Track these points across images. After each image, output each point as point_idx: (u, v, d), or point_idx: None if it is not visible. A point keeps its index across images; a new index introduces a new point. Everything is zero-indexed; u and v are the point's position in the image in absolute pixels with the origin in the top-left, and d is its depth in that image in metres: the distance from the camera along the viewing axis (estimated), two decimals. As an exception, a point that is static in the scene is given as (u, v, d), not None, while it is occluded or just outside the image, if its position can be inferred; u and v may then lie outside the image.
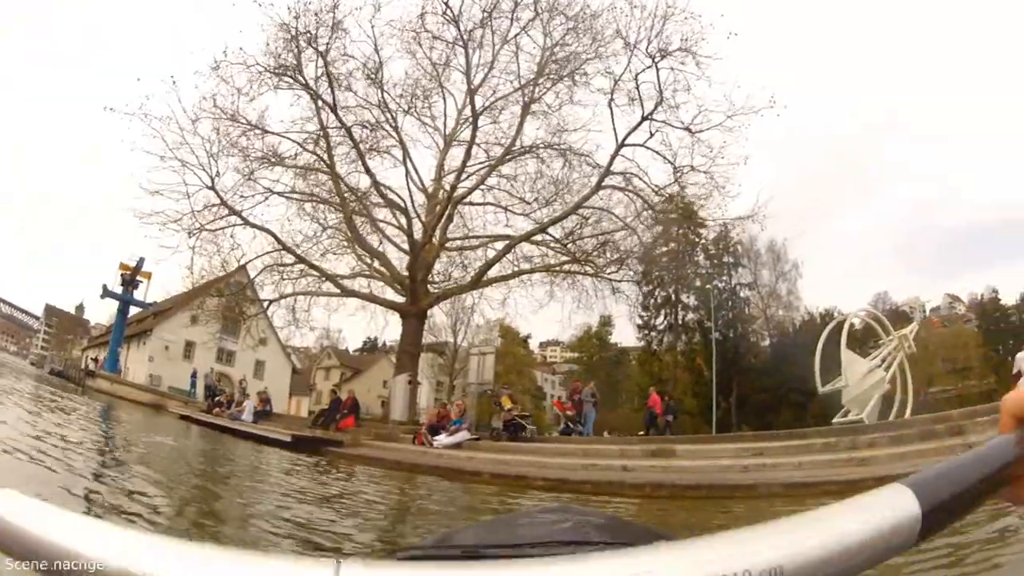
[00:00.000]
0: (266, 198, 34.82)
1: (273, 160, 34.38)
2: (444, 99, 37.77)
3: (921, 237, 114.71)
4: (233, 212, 33.81)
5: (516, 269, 36.76)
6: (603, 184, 34.10)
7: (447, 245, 37.18)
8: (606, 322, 79.95)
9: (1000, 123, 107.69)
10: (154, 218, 32.35)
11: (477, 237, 38.14)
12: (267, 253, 35.20)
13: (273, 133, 34.34)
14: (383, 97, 35.50)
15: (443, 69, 36.67)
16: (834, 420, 23.27)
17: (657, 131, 32.83)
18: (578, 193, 34.94)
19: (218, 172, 32.99)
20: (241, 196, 34.22)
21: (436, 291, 36.87)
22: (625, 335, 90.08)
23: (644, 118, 32.63)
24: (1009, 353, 67.57)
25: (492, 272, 36.61)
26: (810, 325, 65.14)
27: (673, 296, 71.71)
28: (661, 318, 73.84)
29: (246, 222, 34.24)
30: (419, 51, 36.33)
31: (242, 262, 34.98)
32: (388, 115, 35.91)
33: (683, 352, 72.24)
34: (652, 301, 72.01)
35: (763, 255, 72.52)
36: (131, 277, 54.89)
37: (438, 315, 52.41)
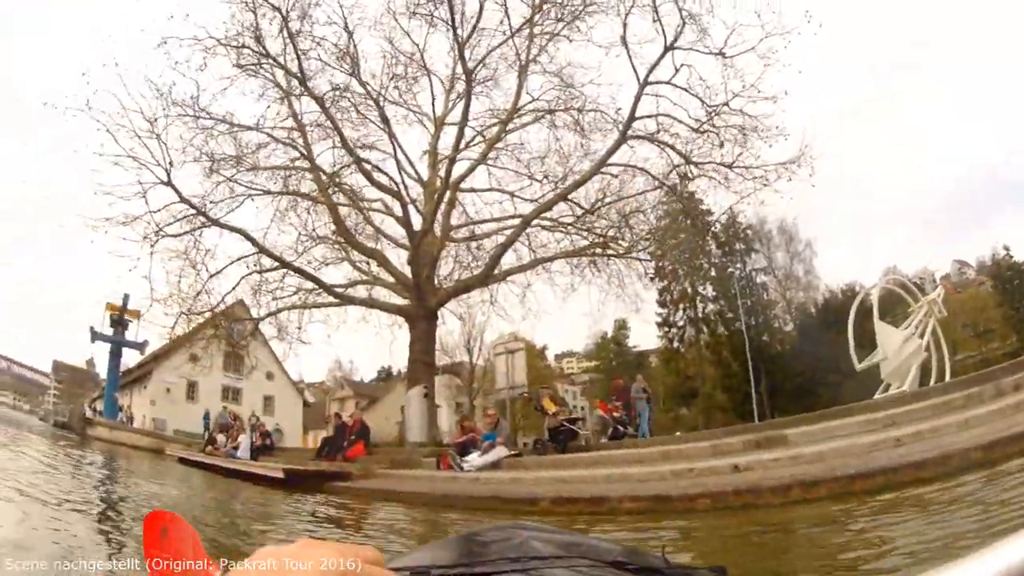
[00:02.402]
0: (240, 203, 29.33)
1: (245, 162, 29.03)
2: (429, 78, 32.28)
3: (919, 206, 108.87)
4: (196, 210, 28.01)
5: (534, 258, 31.29)
6: (629, 134, 28.29)
7: (452, 235, 31.68)
8: (622, 326, 76.16)
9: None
10: (106, 224, 26.77)
11: (485, 222, 32.75)
12: (243, 258, 29.34)
13: (241, 127, 28.83)
14: (360, 78, 29.80)
15: (426, 31, 31.14)
16: (876, 396, 20.49)
17: (683, 65, 27.17)
18: (596, 157, 29.34)
19: (171, 162, 27.21)
20: (211, 202, 28.62)
21: (446, 288, 31.11)
22: (642, 337, 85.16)
23: (667, 48, 26.84)
24: (1031, 310, 64.73)
25: (506, 263, 31.19)
26: (832, 303, 62.28)
27: (690, 289, 67.52)
28: (680, 313, 69.45)
29: (211, 221, 28.47)
30: (396, 28, 30.95)
31: (211, 272, 28.89)
32: (370, 100, 30.25)
33: (707, 345, 68.00)
34: (669, 296, 68.20)
35: (775, 237, 68.94)
36: (119, 317, 49.48)
37: (450, 321, 43.48)
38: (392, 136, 29.66)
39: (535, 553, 1.36)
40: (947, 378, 20.78)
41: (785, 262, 69.29)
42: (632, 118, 27.96)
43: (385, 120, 29.82)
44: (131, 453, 30.28)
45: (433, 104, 32.32)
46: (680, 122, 27.93)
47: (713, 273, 65.93)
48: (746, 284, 66.95)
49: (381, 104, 30.05)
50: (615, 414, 22.82)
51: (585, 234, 30.49)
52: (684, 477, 12.51)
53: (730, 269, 67.33)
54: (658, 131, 28.31)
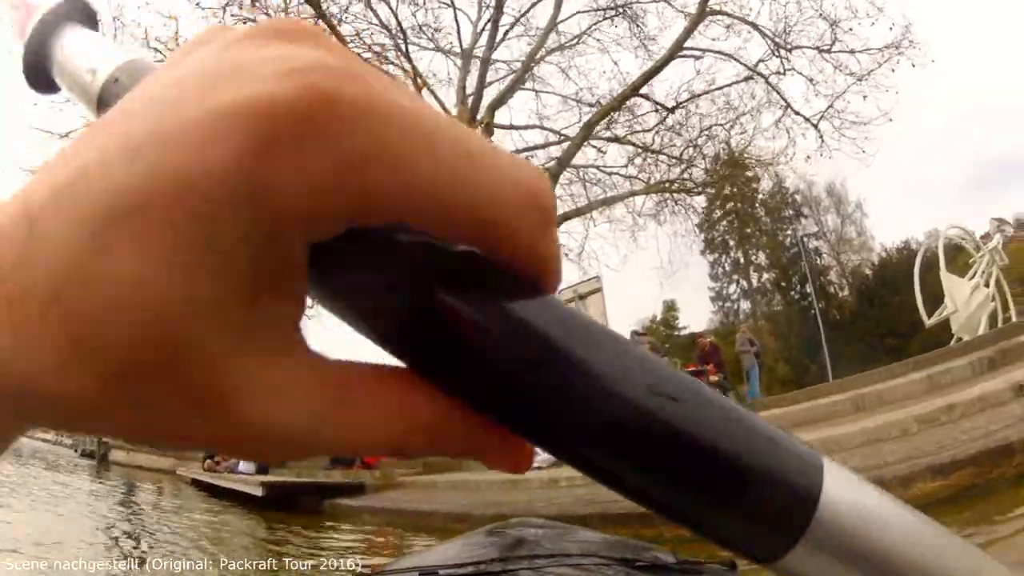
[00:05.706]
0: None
1: None
2: (454, 8, 25.48)
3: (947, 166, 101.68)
4: None
5: (591, 201, 25.57)
6: (709, 8, 21.90)
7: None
8: (671, 307, 69.71)
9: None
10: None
11: (531, 149, 26.57)
12: None
13: None
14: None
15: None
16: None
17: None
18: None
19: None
20: None
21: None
22: (692, 317, 79.72)
23: None
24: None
25: (561, 206, 24.48)
26: (888, 263, 58.82)
27: (742, 258, 62.53)
28: (733, 286, 64.42)
29: None
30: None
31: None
32: (388, 30, 23.93)
33: (765, 317, 63.12)
34: (721, 268, 63.10)
35: (824, 200, 63.92)
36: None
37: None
38: (416, 72, 24.01)
39: (543, 551, 1.27)
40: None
41: (836, 225, 64.74)
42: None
43: (402, 50, 23.86)
44: (139, 475, 27.93)
45: (459, 33, 26.47)
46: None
47: (764, 240, 61.55)
48: (799, 251, 61.90)
49: (395, 30, 23.86)
50: (712, 377, 16.96)
51: (652, 164, 24.36)
52: (951, 420, 7.59)
53: (780, 236, 62.79)
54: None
